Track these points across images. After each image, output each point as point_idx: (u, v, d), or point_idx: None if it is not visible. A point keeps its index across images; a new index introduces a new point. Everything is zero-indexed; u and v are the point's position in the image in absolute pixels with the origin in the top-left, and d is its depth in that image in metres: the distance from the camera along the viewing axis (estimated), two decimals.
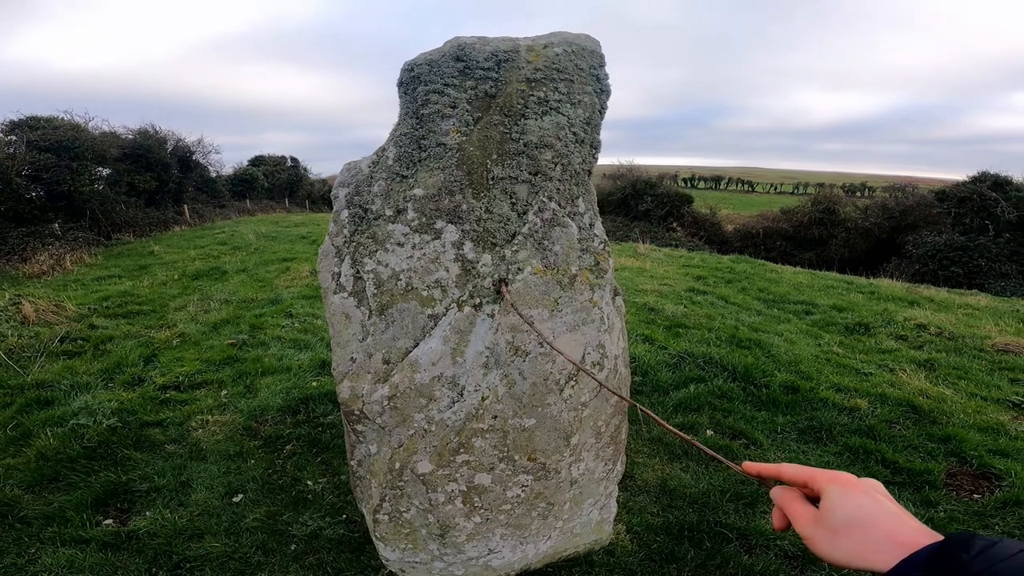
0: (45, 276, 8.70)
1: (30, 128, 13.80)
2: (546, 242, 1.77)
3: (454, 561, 2.01)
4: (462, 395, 1.78)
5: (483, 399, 1.78)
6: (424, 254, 1.73)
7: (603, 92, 1.86)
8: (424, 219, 1.73)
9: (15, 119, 14.31)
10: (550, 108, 1.75)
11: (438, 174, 1.73)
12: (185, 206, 18.07)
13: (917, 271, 14.24)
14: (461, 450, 1.82)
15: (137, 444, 3.16)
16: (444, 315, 1.75)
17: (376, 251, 1.75)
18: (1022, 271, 13.92)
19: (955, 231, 15.30)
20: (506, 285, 1.73)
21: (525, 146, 1.74)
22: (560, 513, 2.05)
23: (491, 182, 1.74)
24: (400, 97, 1.82)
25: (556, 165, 1.78)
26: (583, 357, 1.83)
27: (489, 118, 1.75)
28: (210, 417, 3.45)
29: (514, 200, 1.75)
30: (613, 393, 1.34)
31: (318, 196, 29.64)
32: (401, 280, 1.74)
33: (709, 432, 3.39)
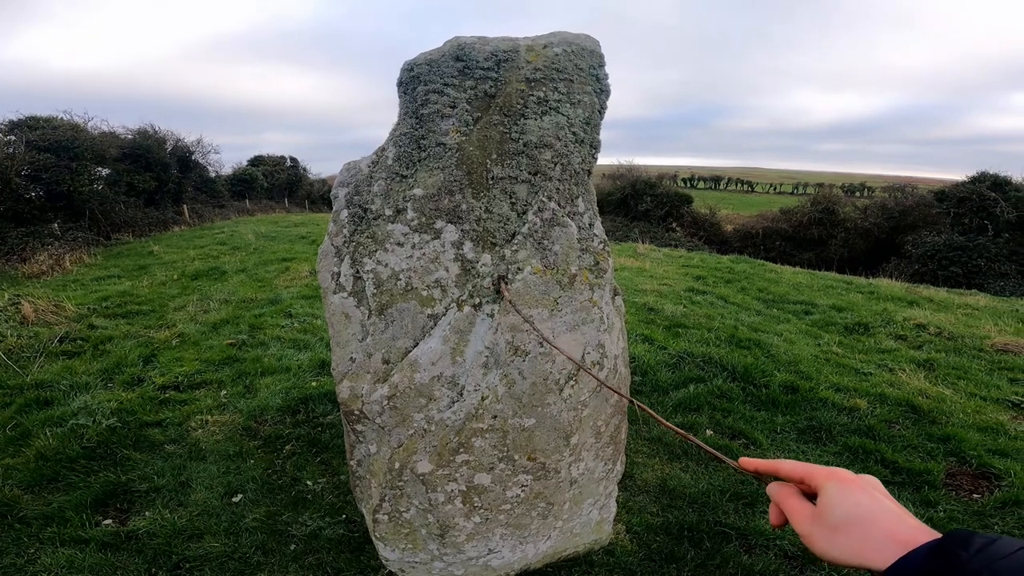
0: (44, 276, 8.70)
1: (29, 128, 13.79)
2: (546, 242, 1.77)
3: (454, 561, 2.01)
4: (462, 395, 1.78)
5: (483, 399, 1.78)
6: (424, 254, 1.73)
7: (603, 92, 1.86)
8: (424, 219, 1.73)
9: (14, 119, 14.30)
10: (550, 108, 1.75)
11: (438, 174, 1.73)
12: (184, 206, 18.06)
13: (916, 271, 14.24)
14: (461, 450, 1.82)
15: (136, 444, 3.16)
16: (444, 315, 1.75)
17: (376, 251, 1.75)
18: (1021, 271, 13.93)
19: (954, 231, 15.31)
20: (505, 283, 1.73)
21: (525, 146, 1.74)
22: (560, 513, 2.05)
23: (491, 182, 1.74)
24: (400, 97, 1.82)
25: (556, 165, 1.78)
26: (583, 357, 1.83)
27: (489, 118, 1.74)
28: (209, 417, 3.45)
29: (514, 200, 1.75)
30: (613, 391, 1.34)
31: (317, 196, 29.63)
32: (401, 280, 1.74)
33: (709, 432, 3.40)
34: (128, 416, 3.43)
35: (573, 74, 1.78)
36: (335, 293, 1.80)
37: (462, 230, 1.73)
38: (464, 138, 1.74)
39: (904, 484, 2.89)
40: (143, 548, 2.36)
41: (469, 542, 1.97)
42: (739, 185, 71.39)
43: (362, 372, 1.78)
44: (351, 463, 2.05)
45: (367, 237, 1.76)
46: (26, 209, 12.30)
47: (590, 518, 2.19)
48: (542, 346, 1.76)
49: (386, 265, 1.74)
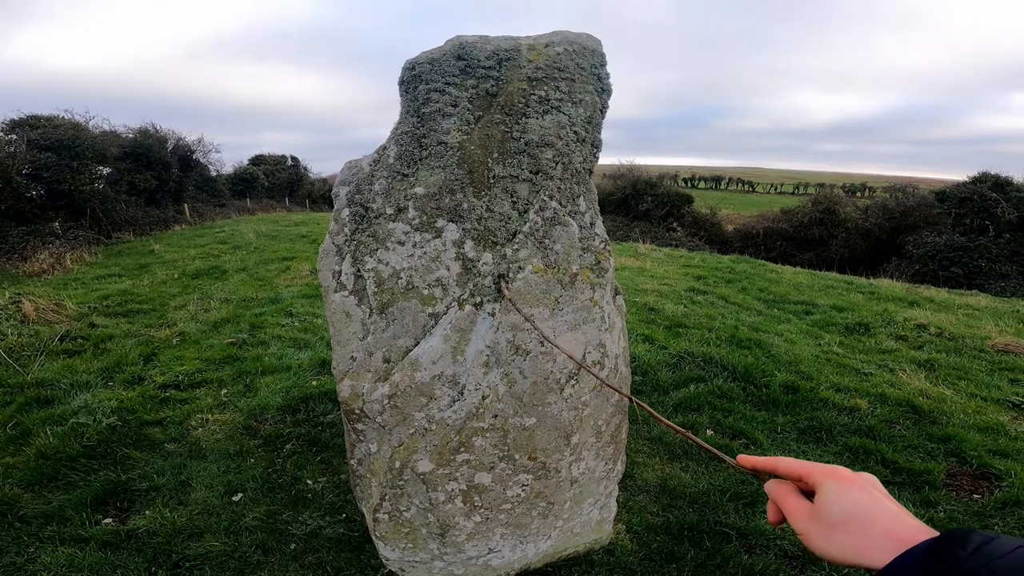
0: (45, 275, 8.70)
1: (31, 127, 13.80)
2: (547, 241, 1.77)
3: (454, 560, 2.01)
4: (462, 394, 1.78)
5: (483, 398, 1.78)
6: (425, 253, 1.73)
7: (604, 91, 1.86)
8: (425, 217, 1.73)
9: (16, 118, 14.32)
10: (551, 107, 1.75)
11: (439, 173, 1.73)
12: (185, 205, 18.07)
13: (917, 271, 14.23)
14: (461, 449, 1.82)
15: (137, 443, 3.16)
16: (445, 314, 1.75)
17: (377, 249, 1.75)
18: (1022, 272, 13.92)
19: (955, 231, 15.29)
20: (506, 282, 1.73)
21: (526, 145, 1.74)
22: (560, 512, 2.05)
23: (492, 181, 1.74)
24: (401, 96, 1.82)
25: (557, 164, 1.78)
26: (584, 356, 1.83)
27: (490, 117, 1.74)
28: (210, 416, 3.45)
29: (515, 199, 1.75)
30: (614, 390, 1.34)
31: (318, 195, 29.63)
32: (402, 278, 1.74)
33: (709, 432, 3.39)
34: (128, 415, 3.43)
35: (575, 73, 1.78)
36: (336, 292, 1.80)
37: (463, 229, 1.73)
38: (466, 137, 1.73)
39: (904, 484, 2.89)
40: (143, 547, 2.36)
41: (469, 541, 1.97)
42: (740, 185, 71.34)
43: (363, 371, 1.78)
44: (351, 462, 2.05)
45: (368, 236, 1.76)
46: (27, 208, 12.32)
47: (590, 517, 2.19)
48: (543, 345, 1.76)
49: (387, 264, 1.74)
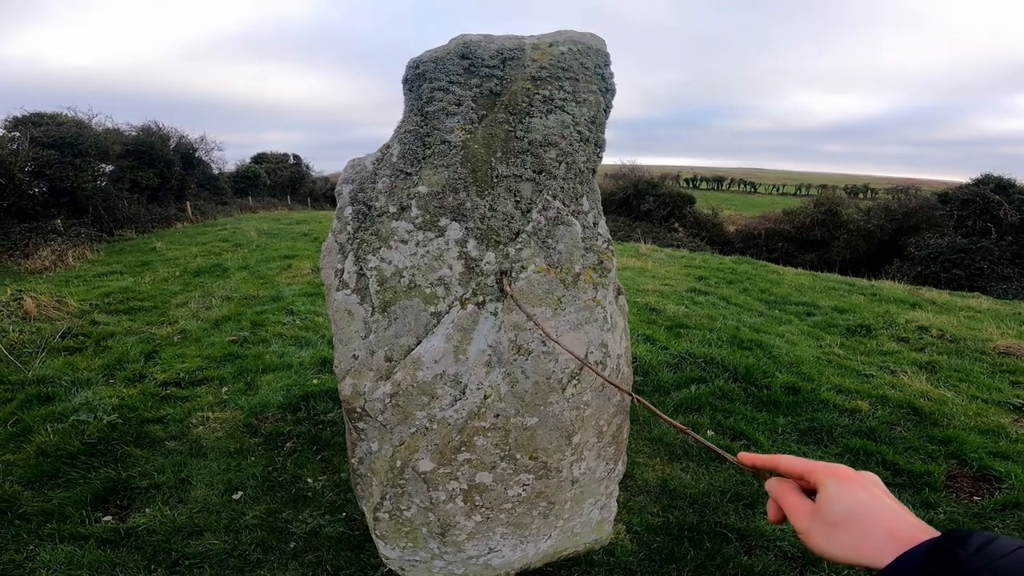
0: (47, 272, 8.71)
1: (33, 124, 13.82)
2: (550, 240, 1.77)
3: (454, 560, 2.00)
4: (464, 393, 1.78)
5: (485, 397, 1.78)
6: (428, 251, 1.73)
7: (608, 91, 1.86)
8: (428, 216, 1.73)
9: (18, 115, 14.34)
10: (555, 106, 1.75)
11: (442, 171, 1.73)
12: (187, 203, 18.09)
13: (919, 273, 14.21)
14: (463, 448, 1.82)
15: (137, 441, 3.16)
16: (447, 313, 1.75)
17: (380, 248, 1.75)
18: None
19: (957, 233, 15.27)
20: (508, 278, 1.72)
21: (530, 144, 1.74)
22: (561, 512, 2.05)
23: (495, 180, 1.74)
24: (405, 94, 1.82)
25: (560, 163, 1.78)
26: (586, 356, 1.83)
27: (494, 116, 1.74)
28: (210, 414, 3.45)
29: (518, 198, 1.75)
30: (617, 388, 1.34)
31: (320, 194, 29.66)
32: (404, 277, 1.74)
33: (710, 432, 3.39)
34: (129, 412, 3.43)
35: (579, 73, 1.78)
36: (338, 290, 1.80)
37: (466, 228, 1.73)
38: (469, 136, 1.73)
39: (905, 486, 2.88)
40: (143, 545, 2.36)
41: (470, 541, 1.96)
42: (742, 186, 71.28)
43: (365, 369, 1.78)
44: (352, 461, 2.05)
45: (371, 234, 1.76)
46: (29, 205, 12.34)
47: (591, 518, 2.19)
48: (545, 345, 1.76)
49: (390, 262, 1.74)
